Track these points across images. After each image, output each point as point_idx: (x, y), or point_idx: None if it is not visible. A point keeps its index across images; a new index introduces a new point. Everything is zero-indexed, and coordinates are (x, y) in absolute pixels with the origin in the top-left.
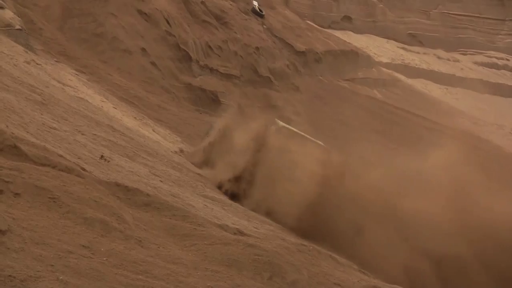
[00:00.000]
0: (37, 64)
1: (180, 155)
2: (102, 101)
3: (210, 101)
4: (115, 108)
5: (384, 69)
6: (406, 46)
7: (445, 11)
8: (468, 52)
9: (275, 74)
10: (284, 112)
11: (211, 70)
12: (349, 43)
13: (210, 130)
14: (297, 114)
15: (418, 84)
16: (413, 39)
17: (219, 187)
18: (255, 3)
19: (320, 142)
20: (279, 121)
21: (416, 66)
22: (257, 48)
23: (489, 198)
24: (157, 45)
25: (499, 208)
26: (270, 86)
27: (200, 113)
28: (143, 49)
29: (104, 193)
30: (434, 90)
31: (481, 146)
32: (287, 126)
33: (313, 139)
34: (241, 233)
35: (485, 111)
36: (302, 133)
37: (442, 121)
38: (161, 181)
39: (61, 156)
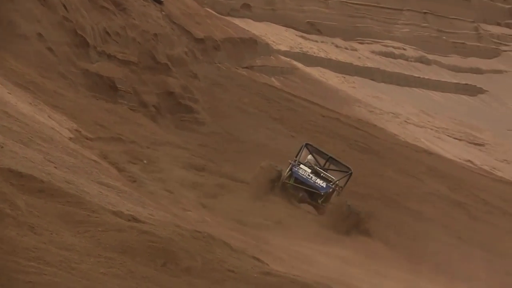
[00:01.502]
0: None
1: (75, 142)
2: None
3: (108, 88)
4: (10, 94)
5: (282, 57)
6: (304, 34)
7: (344, 0)
8: (365, 41)
9: (173, 61)
10: (182, 100)
11: (109, 56)
12: (248, 31)
13: None
14: (195, 101)
15: (316, 72)
16: (311, 28)
17: None
18: None
19: None
20: None
21: (314, 55)
22: (155, 35)
23: None
24: (54, 30)
25: None
26: (168, 73)
27: (97, 100)
28: (40, 34)
29: None
30: (332, 78)
31: (378, 135)
32: None
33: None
34: (135, 219)
35: (382, 99)
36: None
37: (339, 109)
38: (56, 168)
39: None
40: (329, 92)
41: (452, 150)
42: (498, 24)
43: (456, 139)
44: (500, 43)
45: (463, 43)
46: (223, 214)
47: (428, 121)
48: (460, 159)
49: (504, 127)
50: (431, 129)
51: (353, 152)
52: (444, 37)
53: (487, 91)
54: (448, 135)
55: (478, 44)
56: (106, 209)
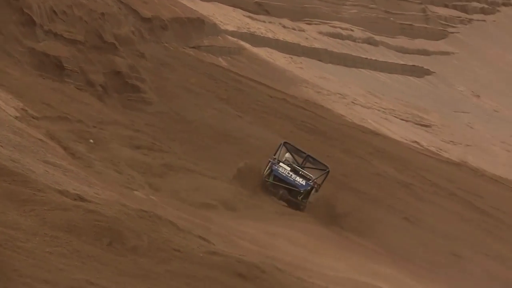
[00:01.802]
0: None
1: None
2: None
3: (54, 67)
4: None
5: (229, 37)
6: (252, 14)
7: None
8: (313, 22)
9: (120, 40)
10: (129, 80)
11: (55, 35)
12: (195, 10)
13: None
14: (142, 81)
15: (263, 52)
16: (259, 8)
17: None
18: None
19: None
20: None
21: (262, 35)
22: (102, 14)
23: None
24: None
25: None
26: (115, 52)
27: (44, 79)
28: None
29: None
30: (279, 59)
31: (325, 116)
32: None
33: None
34: (81, 198)
35: (329, 80)
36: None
37: (286, 90)
38: (1, 146)
39: None
40: (276, 73)
41: (399, 131)
42: (446, 6)
43: (403, 120)
44: (448, 25)
45: (410, 24)
46: (170, 194)
47: (375, 102)
48: (406, 140)
49: (450, 108)
50: (378, 110)
51: (300, 133)
52: (391, 19)
53: (434, 72)
54: (395, 116)
55: (426, 25)
56: (52, 188)
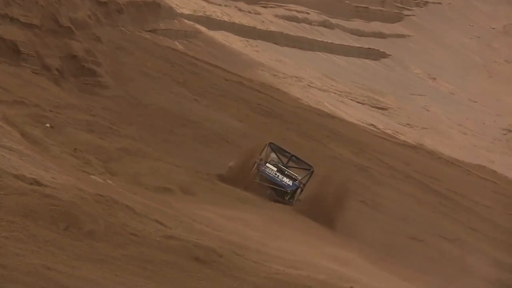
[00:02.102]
0: None
1: None
2: None
3: (10, 51)
4: None
5: (185, 21)
6: None
7: None
8: (269, 5)
9: (77, 24)
10: (86, 63)
11: (11, 19)
12: None
13: None
14: (98, 64)
15: (219, 36)
16: None
17: None
18: None
19: None
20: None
21: (218, 18)
22: None
23: None
24: None
25: None
26: (72, 36)
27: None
28: None
29: None
30: (235, 42)
31: (281, 99)
32: None
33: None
34: (38, 183)
35: (285, 63)
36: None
37: (242, 73)
38: None
39: None
40: (233, 56)
41: (355, 114)
42: None
43: (359, 103)
44: (403, 8)
45: (366, 7)
46: (127, 178)
47: (331, 85)
48: (363, 123)
49: (406, 91)
50: (334, 93)
51: (257, 116)
52: (347, 1)
53: (390, 55)
54: (351, 99)
55: (381, 8)
56: (8, 173)
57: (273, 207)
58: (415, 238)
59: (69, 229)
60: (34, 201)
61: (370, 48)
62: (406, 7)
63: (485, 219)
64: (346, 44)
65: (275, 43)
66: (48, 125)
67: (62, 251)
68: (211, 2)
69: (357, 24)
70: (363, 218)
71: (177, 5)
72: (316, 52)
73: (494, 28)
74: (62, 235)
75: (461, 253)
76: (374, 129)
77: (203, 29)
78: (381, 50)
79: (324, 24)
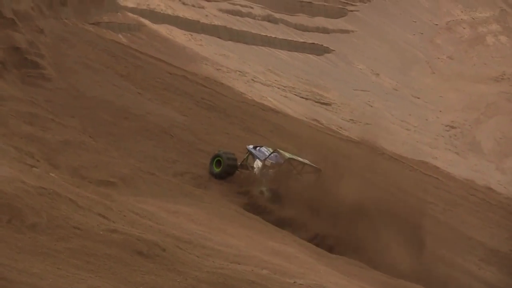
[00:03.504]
0: None
1: None
2: None
3: None
4: None
5: (129, 14)
6: None
7: None
8: None
9: (19, 16)
10: (28, 55)
11: None
12: None
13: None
14: (41, 57)
15: (163, 29)
16: None
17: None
18: None
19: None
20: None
21: (162, 12)
22: None
23: None
24: None
25: None
26: (14, 28)
27: None
28: None
29: None
30: (179, 36)
31: (225, 93)
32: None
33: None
34: None
35: (229, 57)
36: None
37: (186, 67)
38: None
39: None
40: (176, 50)
41: (299, 109)
42: None
43: (303, 98)
44: (347, 3)
45: (310, 2)
46: (69, 171)
47: (275, 80)
48: (306, 118)
49: (350, 86)
50: (278, 87)
51: (200, 110)
52: None
53: (333, 50)
54: (295, 94)
55: (325, 3)
56: None
57: (217, 202)
58: None
59: (12, 222)
60: None
61: (313, 43)
62: (350, 2)
63: (427, 216)
64: (290, 39)
65: (219, 37)
66: None
67: (4, 244)
68: None
69: (301, 19)
70: (304, 213)
71: None
72: (260, 47)
73: (437, 25)
74: (5, 228)
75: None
76: (318, 124)
77: (146, 22)
78: (324, 45)
79: (268, 19)
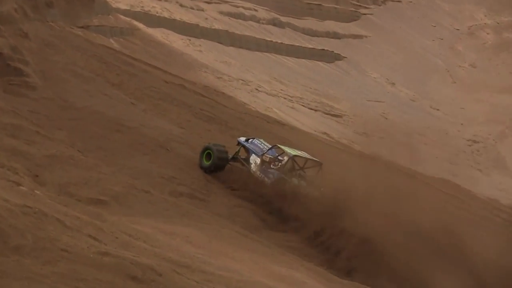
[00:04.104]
0: None
1: None
2: None
3: None
4: None
5: (122, 17)
6: None
7: None
8: (213, 1)
9: (1, 18)
10: (11, 62)
11: None
12: None
13: None
14: (25, 63)
15: (159, 34)
16: None
17: None
18: None
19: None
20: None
21: (157, 14)
22: None
23: None
24: None
25: None
26: None
27: None
28: None
29: None
30: (176, 41)
31: (226, 104)
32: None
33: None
34: None
35: (230, 65)
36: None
37: (184, 75)
38: None
39: None
40: (173, 56)
41: (307, 121)
42: None
43: (312, 109)
44: (360, 6)
45: (319, 4)
46: (56, 188)
47: (281, 90)
48: (315, 131)
49: (363, 97)
50: (284, 98)
51: (199, 122)
52: None
53: (345, 57)
54: (302, 105)
55: (336, 6)
56: None
57: (218, 222)
58: None
59: None
60: None
61: (323, 50)
62: (363, 5)
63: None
64: (297, 44)
65: (219, 43)
66: None
67: None
68: None
69: (310, 23)
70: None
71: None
72: (265, 53)
73: (458, 30)
74: None
75: None
76: (328, 138)
77: (141, 26)
78: (335, 51)
79: (274, 23)
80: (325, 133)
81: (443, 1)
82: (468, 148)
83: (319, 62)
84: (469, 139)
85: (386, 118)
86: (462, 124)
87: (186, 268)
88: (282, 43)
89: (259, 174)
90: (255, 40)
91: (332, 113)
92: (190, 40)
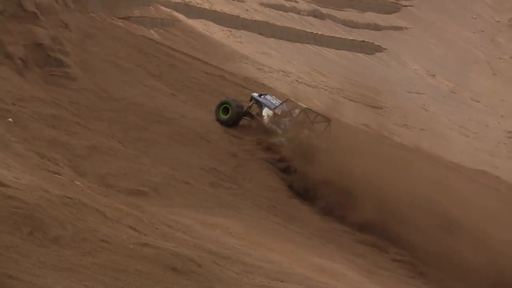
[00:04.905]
0: None
1: None
2: None
3: None
4: None
5: (162, 8)
6: None
7: None
8: None
9: (42, 9)
10: (52, 52)
11: None
12: None
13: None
14: (66, 54)
15: (199, 25)
16: None
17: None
18: None
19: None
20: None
21: (198, 6)
22: None
23: None
24: None
25: None
26: (37, 23)
27: None
28: None
29: None
30: (217, 32)
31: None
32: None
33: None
34: None
35: (271, 56)
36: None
37: (224, 66)
38: None
39: None
40: (214, 47)
41: (347, 112)
42: None
43: (352, 101)
44: None
45: None
46: (96, 179)
47: (322, 81)
48: (355, 123)
49: (403, 88)
50: (325, 89)
51: None
52: None
53: (385, 49)
54: (343, 97)
55: None
56: None
57: (258, 213)
58: None
59: (34, 234)
60: None
61: (364, 41)
62: None
63: None
64: (337, 36)
65: (260, 34)
66: (10, 119)
67: (26, 258)
68: None
69: (350, 14)
70: None
71: None
72: (305, 45)
73: (499, 22)
74: (26, 241)
75: None
76: (368, 129)
77: (181, 17)
78: (376, 43)
79: (314, 14)
80: (365, 124)
81: None
82: (508, 140)
83: (360, 54)
84: (509, 131)
85: (427, 110)
86: (502, 116)
87: (226, 259)
88: (322, 34)
89: (271, 125)
90: (295, 32)
91: (373, 104)
92: (230, 31)
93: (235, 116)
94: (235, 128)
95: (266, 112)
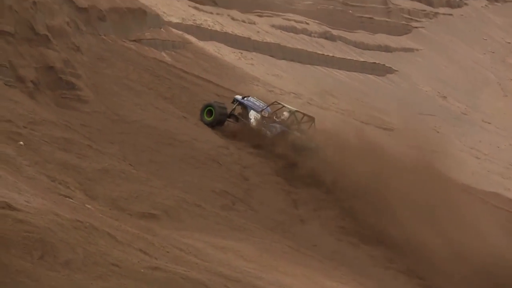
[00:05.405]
0: None
1: None
2: None
3: None
4: None
5: (174, 30)
6: (198, 5)
7: None
8: (264, 14)
9: (54, 32)
10: (63, 75)
11: None
12: (136, 0)
13: None
14: (77, 77)
15: (211, 47)
16: None
17: None
18: None
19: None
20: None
21: (209, 28)
22: (34, 3)
23: None
24: None
25: None
26: (48, 45)
27: None
28: None
29: None
30: (228, 54)
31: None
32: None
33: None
34: (10, 207)
35: (282, 78)
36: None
37: (236, 88)
38: None
39: None
40: (225, 69)
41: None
42: None
43: (363, 122)
44: (411, 19)
45: (371, 18)
46: (107, 202)
47: (333, 103)
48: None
49: (414, 110)
50: (336, 111)
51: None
52: (350, 11)
53: (396, 71)
54: (354, 119)
55: (387, 19)
56: None
57: (269, 236)
58: None
59: (44, 258)
60: (6, 226)
61: (374, 63)
62: (414, 18)
63: None
64: (348, 58)
65: (271, 56)
66: (21, 142)
67: (36, 282)
68: (202, 10)
69: (361, 36)
70: None
71: (164, 13)
72: (316, 66)
73: (509, 43)
74: (37, 265)
75: None
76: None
77: (192, 39)
78: (386, 65)
79: (325, 36)
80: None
81: (495, 14)
82: None
83: (371, 76)
84: None
85: (438, 132)
86: None
87: (237, 282)
88: (333, 56)
89: (261, 128)
90: (306, 53)
91: (383, 126)
92: (242, 53)
93: (219, 117)
94: (248, 151)
95: (253, 114)
